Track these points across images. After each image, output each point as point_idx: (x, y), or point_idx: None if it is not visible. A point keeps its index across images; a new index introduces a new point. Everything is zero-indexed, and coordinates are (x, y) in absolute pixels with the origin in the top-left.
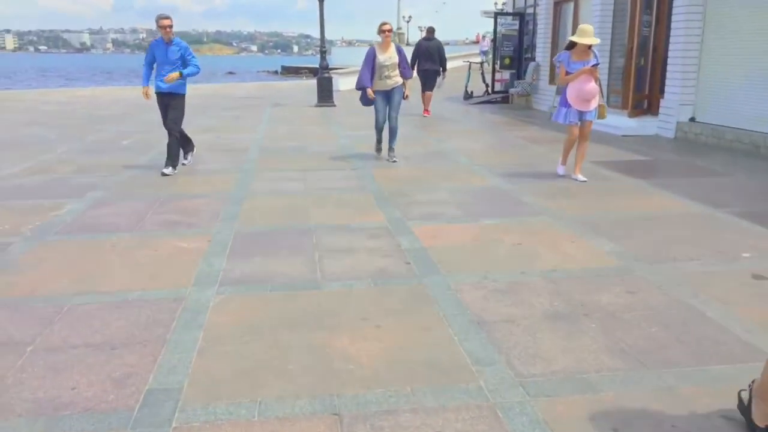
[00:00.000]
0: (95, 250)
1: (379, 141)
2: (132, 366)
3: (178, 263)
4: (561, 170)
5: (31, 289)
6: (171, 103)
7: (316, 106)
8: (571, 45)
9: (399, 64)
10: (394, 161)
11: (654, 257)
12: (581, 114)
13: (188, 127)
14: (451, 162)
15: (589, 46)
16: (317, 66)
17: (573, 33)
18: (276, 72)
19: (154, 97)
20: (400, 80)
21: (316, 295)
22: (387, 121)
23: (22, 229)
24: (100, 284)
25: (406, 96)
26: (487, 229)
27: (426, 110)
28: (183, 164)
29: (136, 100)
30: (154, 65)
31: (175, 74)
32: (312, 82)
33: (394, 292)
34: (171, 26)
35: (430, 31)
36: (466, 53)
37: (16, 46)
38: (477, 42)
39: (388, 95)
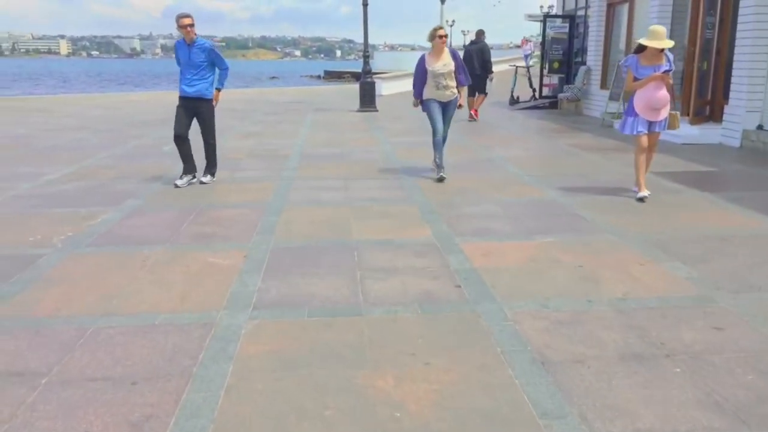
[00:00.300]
0: (125, 265)
1: (439, 162)
2: (152, 406)
3: (210, 282)
4: (641, 194)
5: (56, 307)
6: (198, 111)
7: (359, 111)
8: (641, 48)
9: (455, 71)
10: (442, 177)
11: (737, 285)
12: (650, 124)
13: (231, 131)
14: (500, 171)
15: (661, 50)
16: (360, 70)
17: (628, 36)
18: (319, 76)
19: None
20: (456, 92)
21: (358, 323)
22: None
23: (55, 239)
24: (127, 304)
25: (461, 105)
26: (544, 247)
27: (474, 110)
28: (202, 182)
29: (175, 104)
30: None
31: (217, 96)
32: (354, 87)
33: (444, 321)
34: (192, 25)
35: (478, 34)
36: (510, 57)
37: (70, 51)
38: (522, 46)
39: (443, 105)
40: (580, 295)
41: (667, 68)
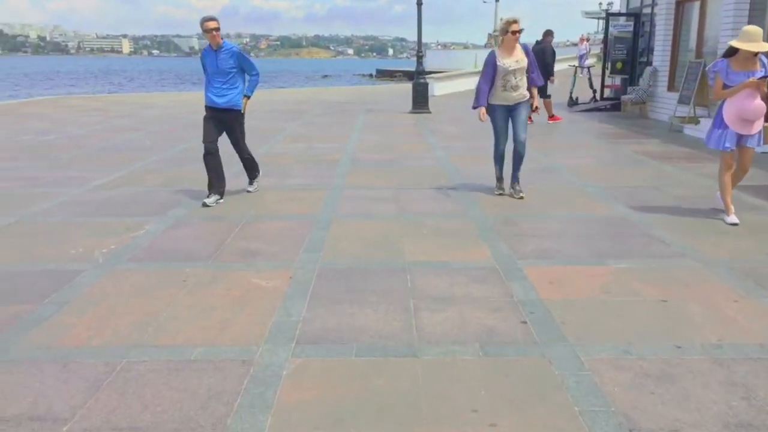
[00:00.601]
0: (165, 285)
1: (500, 177)
2: None
3: (252, 308)
4: (730, 219)
5: (88, 335)
6: (227, 122)
7: (411, 112)
8: (732, 51)
9: (528, 68)
10: (521, 197)
11: None
12: (740, 138)
13: (281, 134)
14: (561, 182)
15: (756, 53)
16: (412, 69)
17: (699, 35)
18: (371, 75)
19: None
20: (527, 93)
21: (412, 365)
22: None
23: (96, 253)
24: (162, 333)
25: (536, 108)
26: (619, 275)
27: (553, 116)
28: (248, 192)
29: None
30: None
31: (246, 104)
32: (406, 86)
33: (510, 368)
34: (217, 29)
35: (544, 34)
36: (566, 57)
37: (132, 50)
38: (579, 45)
39: (510, 111)
40: (667, 338)
41: (763, 74)
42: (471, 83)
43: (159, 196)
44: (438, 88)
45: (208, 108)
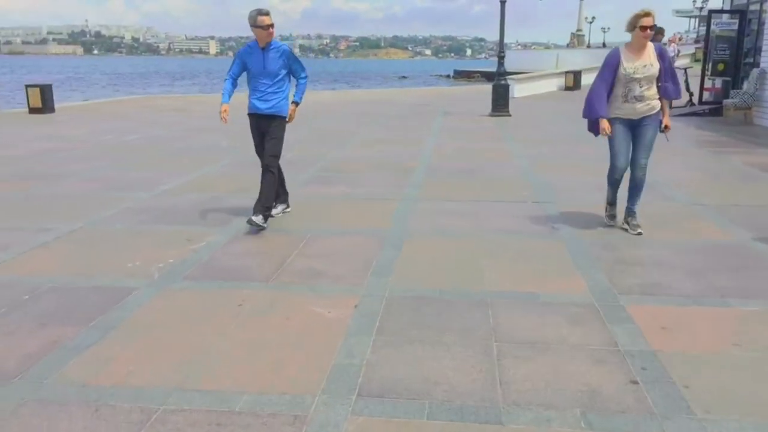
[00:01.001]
0: (217, 311)
1: (613, 202)
2: None
3: (310, 345)
4: None
5: (127, 371)
6: (269, 129)
7: (490, 115)
8: None
9: (659, 77)
10: (639, 233)
11: None
12: None
13: (354, 138)
14: (663, 199)
15: None
16: (490, 70)
17: None
18: (448, 76)
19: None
20: (657, 105)
21: None
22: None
23: (152, 268)
24: (208, 374)
25: (666, 127)
26: (749, 321)
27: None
28: (258, 225)
29: (312, 105)
30: (239, 79)
31: (294, 112)
32: (484, 88)
33: None
34: (273, 25)
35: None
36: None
37: (218, 51)
38: (669, 45)
39: (634, 127)
40: None
41: None
42: (553, 85)
43: (225, 204)
44: (518, 90)
45: (251, 116)
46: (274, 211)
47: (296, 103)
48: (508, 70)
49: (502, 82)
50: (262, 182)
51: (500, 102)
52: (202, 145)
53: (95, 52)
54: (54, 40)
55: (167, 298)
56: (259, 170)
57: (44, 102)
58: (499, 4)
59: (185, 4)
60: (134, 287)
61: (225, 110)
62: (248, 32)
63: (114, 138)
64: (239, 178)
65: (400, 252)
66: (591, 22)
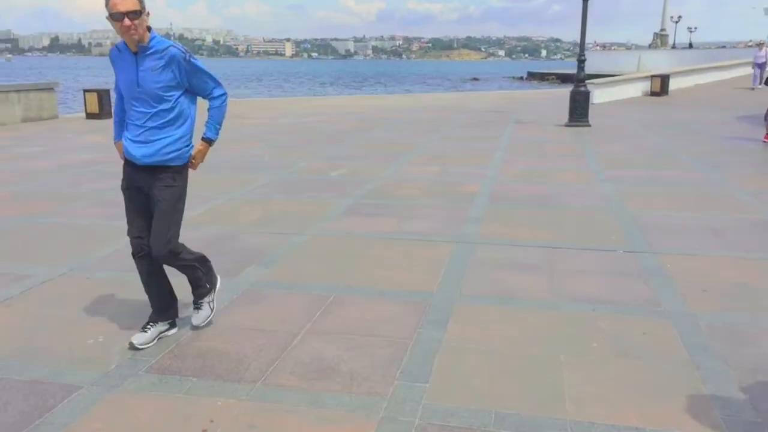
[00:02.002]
0: (179, 429)
1: None
2: None
3: None
4: None
5: None
6: (154, 191)
7: (567, 125)
8: None
9: None
10: None
11: None
12: None
13: (413, 152)
14: None
15: None
16: (566, 71)
17: None
18: (521, 78)
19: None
20: None
21: None
22: None
23: (115, 349)
24: None
25: None
26: None
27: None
28: (195, 327)
29: (375, 111)
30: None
31: (203, 153)
32: (560, 92)
33: None
34: (136, 13)
35: None
36: (743, 61)
37: (293, 52)
38: (760, 50)
39: None
40: None
41: None
42: (637, 90)
43: (242, 243)
44: (598, 96)
45: (126, 167)
46: (136, 340)
47: (207, 141)
48: (586, 71)
49: (582, 88)
50: (145, 280)
51: (579, 111)
52: (242, 160)
53: None
54: None
55: (112, 408)
56: (296, 194)
57: (101, 107)
58: (579, 2)
59: (264, 7)
60: (77, 385)
61: (119, 149)
62: (324, 34)
63: None
64: (269, 205)
65: (445, 333)
66: (677, 22)
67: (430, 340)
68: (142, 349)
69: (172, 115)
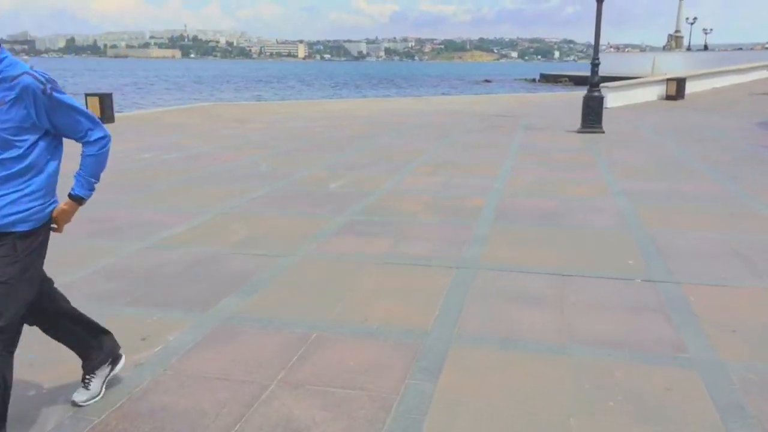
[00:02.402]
0: None
1: None
2: None
3: None
4: None
5: None
6: None
7: (579, 131)
8: None
9: None
10: None
11: None
12: None
13: (419, 160)
14: None
15: None
16: (579, 73)
17: None
18: (534, 80)
19: None
20: None
21: None
22: None
23: (52, 410)
24: None
25: None
26: None
27: None
28: (75, 404)
29: (382, 116)
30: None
31: (63, 212)
32: (573, 95)
33: None
34: None
35: None
36: (762, 63)
37: (306, 54)
38: None
39: None
40: None
41: None
42: (652, 94)
43: (224, 267)
44: (612, 99)
45: None
46: (78, 398)
47: (76, 200)
48: (601, 73)
49: (595, 93)
50: (58, 339)
51: (592, 117)
52: (238, 168)
53: (192, 55)
54: (155, 44)
55: None
56: (291, 209)
57: (103, 111)
58: (593, 3)
59: (277, 9)
60: None
61: None
62: (337, 35)
63: (152, 156)
64: (260, 221)
65: (437, 385)
66: (692, 23)
67: (420, 394)
68: (85, 406)
69: (21, 166)
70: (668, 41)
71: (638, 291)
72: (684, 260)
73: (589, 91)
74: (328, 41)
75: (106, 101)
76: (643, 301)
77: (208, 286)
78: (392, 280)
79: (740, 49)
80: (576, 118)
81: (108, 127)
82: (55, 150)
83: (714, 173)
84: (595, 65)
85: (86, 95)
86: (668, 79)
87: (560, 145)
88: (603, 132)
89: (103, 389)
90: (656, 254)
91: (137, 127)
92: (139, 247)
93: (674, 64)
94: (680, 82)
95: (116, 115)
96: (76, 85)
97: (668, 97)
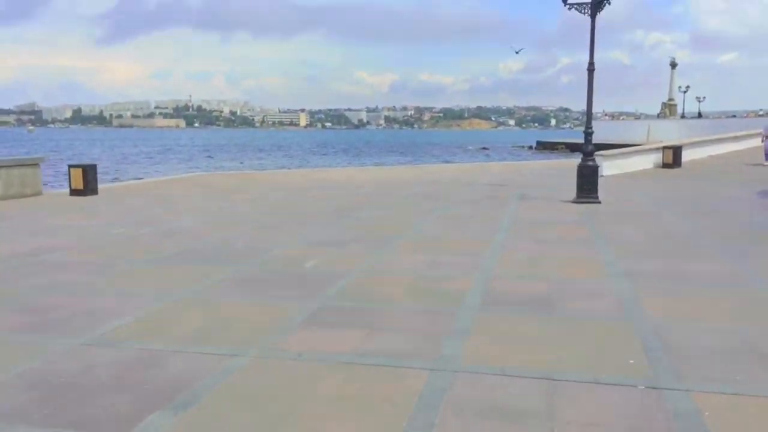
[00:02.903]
0: None
1: None
2: None
3: None
4: None
5: None
6: None
7: (575, 201)
8: None
9: None
10: None
11: None
12: None
13: (403, 236)
14: None
15: None
16: (575, 141)
17: None
18: (530, 147)
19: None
20: None
21: None
22: None
23: None
24: None
25: None
26: None
27: None
28: None
29: (370, 185)
30: None
31: None
32: (569, 162)
33: None
34: None
35: None
36: (755, 131)
37: (308, 122)
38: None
39: None
40: None
41: None
42: (648, 162)
43: (162, 371)
44: (608, 168)
45: None
46: None
47: None
48: (594, 141)
49: (589, 162)
50: None
51: (587, 186)
52: (211, 246)
53: (196, 124)
54: (160, 114)
55: None
56: (254, 294)
57: (86, 183)
58: (586, 73)
59: (280, 80)
60: None
61: None
62: (337, 104)
63: (123, 232)
64: (217, 310)
65: None
66: (685, 92)
67: None
68: None
69: None
70: (662, 109)
71: (642, 402)
72: (694, 359)
73: (583, 160)
74: (330, 110)
75: (89, 173)
76: (646, 417)
77: (135, 397)
78: (354, 387)
79: (734, 116)
80: (571, 187)
81: (86, 201)
82: None
83: (722, 250)
84: (588, 134)
85: (69, 167)
86: (664, 147)
87: (555, 217)
88: (599, 202)
89: None
90: (661, 351)
91: (120, 199)
92: (71, 345)
93: (669, 132)
94: (677, 150)
95: (103, 186)
96: (54, 153)
97: (665, 165)
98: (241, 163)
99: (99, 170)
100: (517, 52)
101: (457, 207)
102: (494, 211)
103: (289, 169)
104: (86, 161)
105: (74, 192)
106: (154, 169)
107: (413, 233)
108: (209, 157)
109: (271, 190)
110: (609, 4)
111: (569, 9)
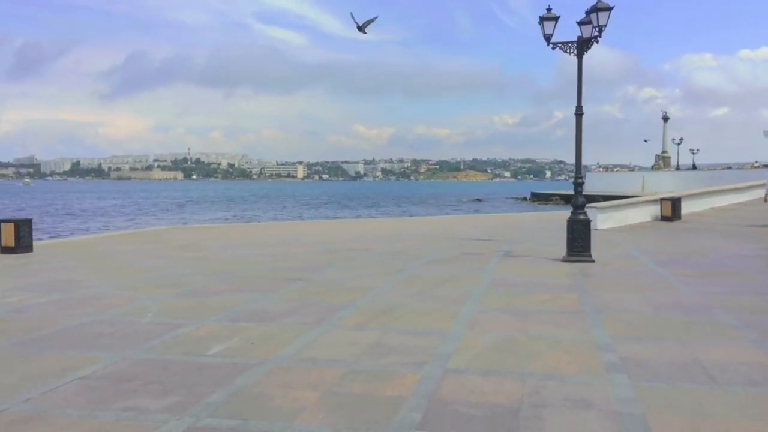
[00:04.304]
0: None
1: None
2: None
3: None
4: None
5: None
6: None
7: (565, 260)
8: None
9: None
10: None
11: None
12: None
13: (355, 304)
14: None
15: None
16: (569, 192)
17: None
18: (525, 198)
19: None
20: None
21: None
22: None
23: None
24: None
25: None
26: None
27: None
28: None
29: (341, 242)
30: None
31: None
32: (561, 215)
33: None
34: None
35: None
36: (756, 183)
37: (305, 174)
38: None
39: None
40: None
41: None
42: (646, 214)
43: None
44: (602, 221)
45: None
46: None
47: None
48: (588, 193)
49: (580, 216)
50: None
51: (578, 243)
52: (114, 320)
53: (194, 177)
54: (158, 166)
55: None
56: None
57: (18, 240)
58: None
59: (278, 133)
60: None
61: None
62: (335, 157)
63: (20, 300)
64: None
65: None
66: (679, 144)
67: None
68: None
69: None
70: (656, 161)
71: None
72: None
73: (574, 213)
74: (327, 162)
75: (22, 229)
76: None
77: None
78: None
79: (730, 168)
80: (562, 241)
81: (16, 258)
82: None
83: (740, 326)
84: (578, 184)
85: (0, 221)
86: (662, 199)
87: (540, 279)
88: (592, 261)
89: None
90: None
91: (50, 257)
92: None
93: (664, 183)
94: (675, 202)
95: (46, 242)
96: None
97: (663, 218)
98: (226, 219)
99: (60, 223)
100: (360, 27)
101: (430, 267)
102: (471, 270)
103: (277, 221)
104: (63, 214)
105: (5, 249)
106: (122, 221)
107: (367, 301)
108: (184, 211)
109: (232, 245)
110: (597, 42)
111: (553, 49)
